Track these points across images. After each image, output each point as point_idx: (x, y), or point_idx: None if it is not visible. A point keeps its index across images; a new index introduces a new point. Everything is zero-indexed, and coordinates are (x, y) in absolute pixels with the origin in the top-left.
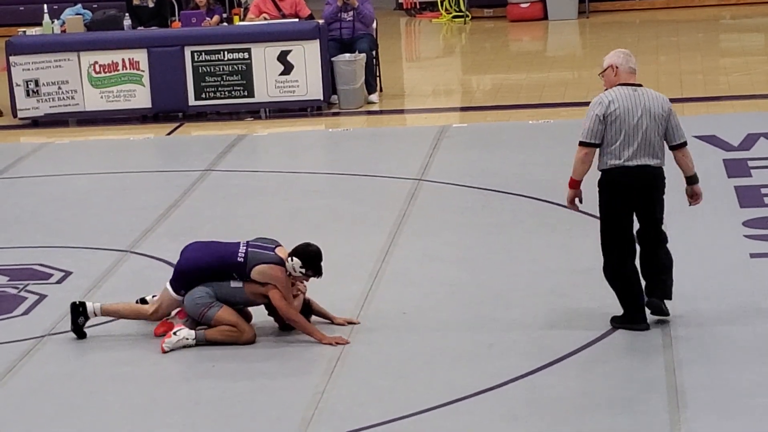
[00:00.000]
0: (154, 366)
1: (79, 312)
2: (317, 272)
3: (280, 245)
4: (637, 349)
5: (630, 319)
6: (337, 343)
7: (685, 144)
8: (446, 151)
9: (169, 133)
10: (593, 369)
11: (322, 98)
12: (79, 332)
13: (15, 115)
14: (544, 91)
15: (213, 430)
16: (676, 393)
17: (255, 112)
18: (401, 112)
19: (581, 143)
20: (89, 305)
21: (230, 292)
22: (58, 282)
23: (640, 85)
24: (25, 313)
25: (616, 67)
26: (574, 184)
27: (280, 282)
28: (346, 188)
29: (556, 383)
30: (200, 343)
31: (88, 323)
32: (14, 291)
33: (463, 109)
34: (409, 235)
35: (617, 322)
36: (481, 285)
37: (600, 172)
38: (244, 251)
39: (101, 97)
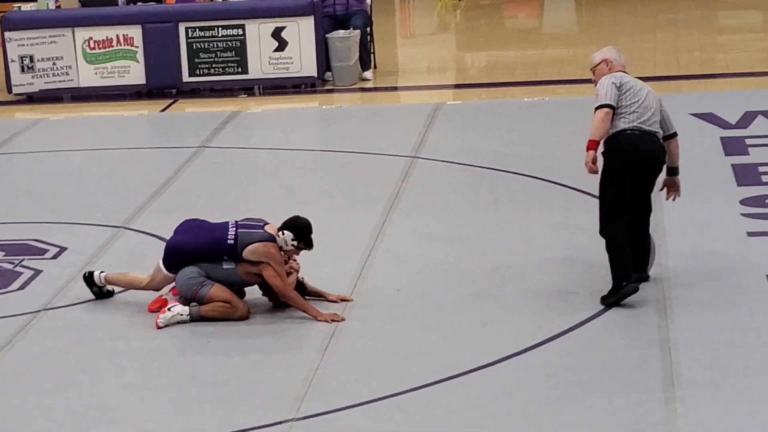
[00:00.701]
0: (149, 341)
1: (91, 282)
2: (308, 244)
3: (268, 223)
4: (632, 328)
5: (617, 287)
6: (333, 321)
7: (676, 135)
8: (440, 128)
9: (163, 110)
10: (588, 347)
11: (316, 75)
12: (103, 295)
13: (10, 91)
14: (539, 69)
15: (208, 405)
16: (672, 372)
17: (249, 88)
18: (395, 89)
19: (599, 106)
20: (96, 274)
21: (223, 274)
22: (54, 257)
23: None
24: (21, 288)
25: (611, 62)
26: (594, 145)
27: (274, 259)
28: (340, 165)
29: (551, 361)
30: (194, 319)
31: (97, 290)
32: (10, 266)
33: (458, 86)
34: (403, 212)
35: (608, 299)
36: (475, 263)
37: (608, 140)
38: (233, 233)
39: (96, 73)
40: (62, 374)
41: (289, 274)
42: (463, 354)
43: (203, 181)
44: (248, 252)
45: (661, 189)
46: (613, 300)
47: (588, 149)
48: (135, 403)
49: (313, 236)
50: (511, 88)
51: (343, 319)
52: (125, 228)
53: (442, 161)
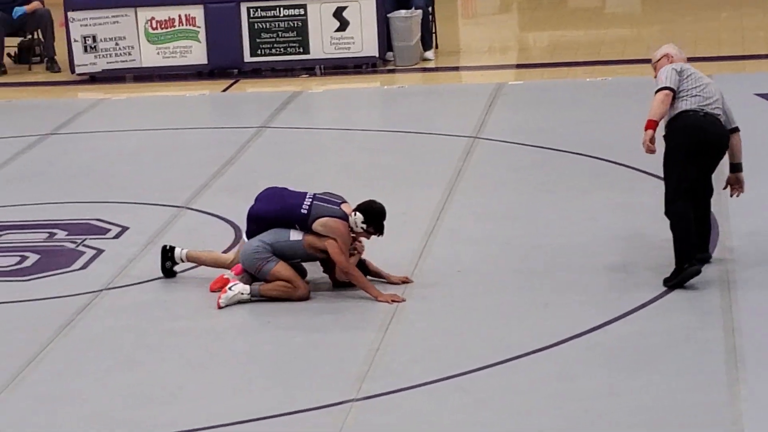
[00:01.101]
0: (210, 320)
1: (168, 256)
2: (379, 230)
3: (346, 202)
4: (695, 309)
5: (680, 269)
6: (393, 301)
7: (738, 130)
8: (502, 108)
9: (224, 90)
10: (650, 329)
11: (377, 55)
12: (168, 273)
13: (73, 71)
14: (601, 49)
15: (268, 384)
16: (735, 354)
17: (310, 68)
18: (457, 69)
19: (659, 89)
20: (177, 250)
21: (288, 246)
22: (116, 237)
23: None
24: (83, 267)
25: (672, 56)
26: (652, 125)
27: (342, 236)
28: (402, 145)
29: (612, 342)
30: (255, 298)
31: (176, 267)
32: (72, 246)
33: (520, 66)
34: (464, 192)
35: (670, 281)
36: (536, 243)
37: (671, 121)
38: (308, 203)
39: (158, 53)
40: (124, 353)
41: (351, 255)
42: (524, 335)
43: (264, 161)
44: (318, 224)
45: (725, 188)
46: (675, 282)
47: (646, 129)
48: (196, 382)
49: (385, 222)
50: (573, 68)
51: (403, 300)
52: (187, 208)
53: (504, 141)
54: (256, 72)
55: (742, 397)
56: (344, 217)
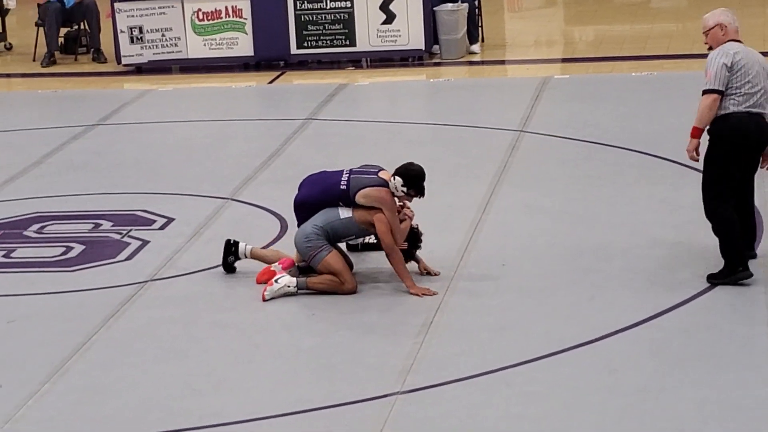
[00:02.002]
0: (254, 313)
1: (231, 251)
2: (419, 191)
3: (383, 169)
4: (739, 305)
5: (731, 270)
6: (423, 294)
7: None
8: (548, 102)
9: (270, 82)
10: (695, 324)
11: (423, 48)
12: (228, 268)
13: (119, 62)
14: (647, 43)
15: (312, 377)
16: None
17: (356, 61)
18: (503, 62)
19: (707, 91)
20: (242, 246)
21: (341, 224)
22: (161, 228)
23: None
24: (129, 258)
25: (725, 26)
26: (698, 133)
27: (386, 204)
28: (447, 138)
29: (657, 337)
30: (301, 291)
31: (237, 263)
32: (118, 236)
33: (565, 60)
34: (510, 186)
35: (717, 279)
36: (581, 237)
37: (716, 121)
38: (346, 178)
39: (204, 45)
40: (168, 344)
41: (402, 221)
42: (569, 329)
43: (310, 153)
44: (360, 196)
45: (763, 166)
46: (724, 282)
47: (692, 137)
48: (240, 374)
49: (425, 183)
50: (619, 63)
51: (434, 293)
52: (232, 199)
53: (550, 135)
54: (302, 64)
55: None
56: (384, 184)
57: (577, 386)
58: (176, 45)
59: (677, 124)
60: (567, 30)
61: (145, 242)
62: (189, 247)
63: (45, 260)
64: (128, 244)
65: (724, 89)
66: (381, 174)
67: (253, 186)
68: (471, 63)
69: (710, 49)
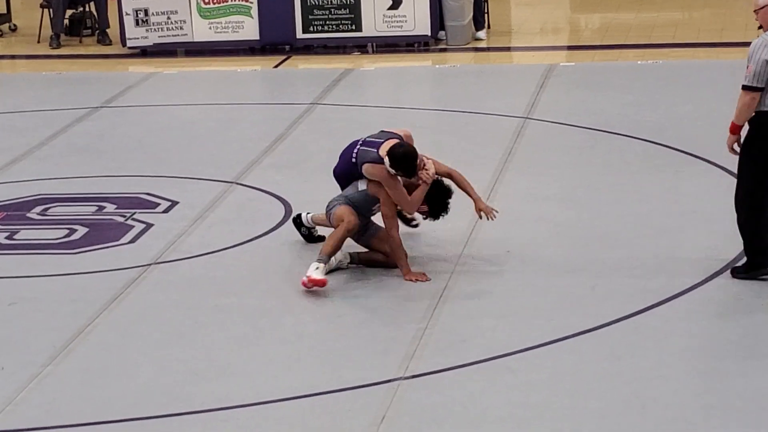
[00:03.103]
0: (257, 298)
1: (299, 224)
2: (407, 172)
3: (391, 138)
4: (743, 294)
5: (755, 269)
6: (417, 280)
7: None
8: (553, 89)
9: (276, 66)
10: (698, 312)
11: (429, 34)
12: (309, 238)
13: (124, 44)
14: (653, 32)
15: (315, 362)
16: None
17: (362, 46)
18: (508, 49)
19: (747, 87)
20: (303, 215)
21: (360, 197)
22: (165, 211)
23: None
24: (132, 241)
25: None
26: (737, 130)
27: (385, 180)
28: (453, 125)
29: (661, 325)
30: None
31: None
32: (121, 219)
33: (571, 47)
34: (515, 173)
35: (740, 273)
36: (586, 225)
37: (752, 120)
38: (356, 151)
39: (209, 28)
40: (171, 327)
41: (417, 185)
42: (572, 316)
43: (315, 138)
44: (364, 171)
45: None
46: (746, 277)
47: (731, 132)
48: (243, 359)
49: (411, 164)
50: (625, 51)
51: (428, 279)
52: (237, 183)
53: (555, 122)
54: (308, 48)
55: None
56: (380, 161)
57: (579, 374)
58: (182, 28)
59: (682, 113)
60: (573, 18)
61: (148, 225)
62: (193, 230)
63: (48, 242)
64: (132, 227)
65: (764, 86)
66: (382, 147)
67: (257, 170)
68: (477, 49)
69: (760, 28)
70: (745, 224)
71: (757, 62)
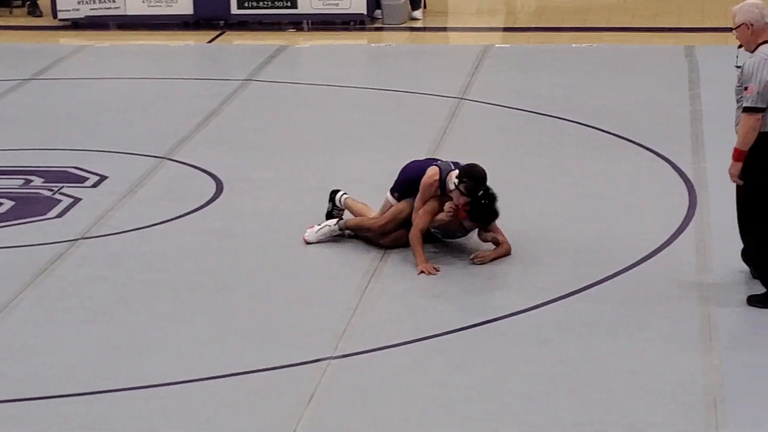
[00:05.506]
0: (187, 275)
1: (332, 199)
2: (467, 190)
3: (454, 169)
4: (673, 279)
5: None
6: (429, 273)
7: None
8: (488, 71)
9: (209, 41)
10: (627, 295)
11: (365, 12)
12: (332, 216)
13: (55, 16)
14: (588, 15)
15: (245, 341)
16: (709, 324)
17: (297, 23)
18: (444, 29)
19: (750, 109)
20: (338, 195)
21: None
22: (94, 186)
23: None
24: (59, 215)
25: (751, 25)
26: (741, 156)
27: (424, 186)
28: (388, 104)
29: (590, 308)
30: (342, 231)
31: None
32: (49, 193)
33: (507, 29)
34: (449, 153)
35: (756, 303)
36: (518, 206)
37: (759, 137)
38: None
39: (143, 2)
40: (97, 303)
41: (437, 213)
42: (503, 298)
43: (248, 115)
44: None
45: None
46: (761, 306)
47: (735, 160)
48: (170, 336)
49: (477, 179)
50: (560, 34)
51: (437, 273)
52: (167, 159)
53: (489, 103)
54: (243, 24)
55: (715, 366)
56: (445, 172)
57: (508, 356)
58: (114, 1)
59: (615, 96)
60: (509, 0)
61: (77, 200)
62: (122, 205)
63: None
64: (59, 201)
65: (765, 106)
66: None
67: (189, 146)
68: (412, 29)
69: (741, 47)
70: (759, 252)
71: (759, 82)
